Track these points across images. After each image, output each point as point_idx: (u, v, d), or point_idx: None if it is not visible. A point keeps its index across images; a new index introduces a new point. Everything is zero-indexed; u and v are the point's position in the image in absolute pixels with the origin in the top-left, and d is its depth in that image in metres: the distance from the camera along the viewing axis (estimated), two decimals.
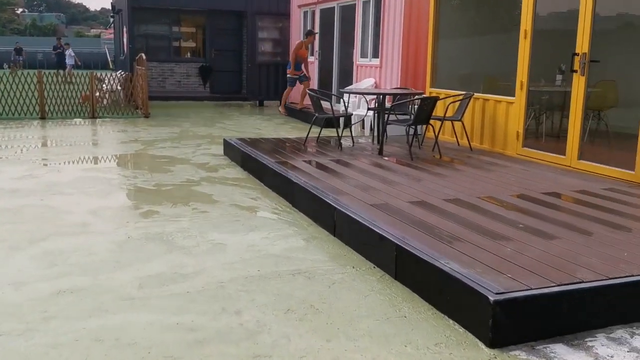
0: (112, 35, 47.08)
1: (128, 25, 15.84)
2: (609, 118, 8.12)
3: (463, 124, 8.06)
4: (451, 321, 3.30)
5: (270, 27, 16.95)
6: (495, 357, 2.94)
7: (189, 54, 18.35)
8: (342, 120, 9.95)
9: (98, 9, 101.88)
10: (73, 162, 8.05)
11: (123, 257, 4.34)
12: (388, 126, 8.44)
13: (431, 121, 7.56)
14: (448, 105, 7.94)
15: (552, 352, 2.97)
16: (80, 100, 13.61)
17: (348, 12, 12.76)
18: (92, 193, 6.29)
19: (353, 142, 8.50)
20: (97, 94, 13.45)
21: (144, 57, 13.81)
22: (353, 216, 4.59)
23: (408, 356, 2.96)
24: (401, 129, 8.64)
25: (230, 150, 8.37)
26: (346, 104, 8.42)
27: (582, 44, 6.45)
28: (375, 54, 11.48)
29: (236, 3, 16.71)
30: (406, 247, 3.82)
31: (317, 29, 14.23)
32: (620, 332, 3.20)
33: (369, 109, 8.45)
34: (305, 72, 13.60)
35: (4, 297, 3.61)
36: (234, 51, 17.65)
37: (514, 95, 7.65)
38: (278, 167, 6.53)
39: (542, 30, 7.40)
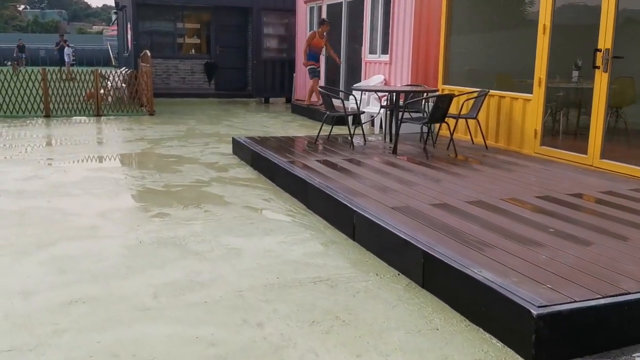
0: (114, 32, 46.92)
1: (132, 22, 15.65)
2: (627, 115, 7.94)
3: (478, 122, 7.86)
4: (487, 334, 3.11)
5: (275, 23, 16.76)
6: None
7: (193, 51, 18.15)
8: (350, 118, 9.78)
9: (100, 5, 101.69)
10: (79, 162, 7.87)
11: (135, 263, 4.16)
12: (391, 123, 8.25)
13: (446, 119, 7.36)
14: (463, 103, 7.74)
15: None
16: (85, 98, 13.43)
17: (356, 8, 12.55)
18: (100, 194, 6.11)
19: (365, 140, 8.30)
20: (102, 91, 13.26)
21: (148, 54, 13.62)
22: (374, 220, 4.40)
23: None
24: (412, 127, 8.45)
25: (240, 149, 8.18)
26: (358, 102, 8.22)
27: (605, 39, 6.25)
28: (385, 50, 11.28)
29: None
30: (434, 254, 3.63)
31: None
32: None
33: (382, 106, 8.25)
34: (334, 56, 12.99)
35: (12, 307, 3.43)
36: (239, 48, 17.47)
37: (531, 92, 7.45)
38: (290, 167, 6.34)
39: (556, 25, 7.18)
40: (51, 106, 12.53)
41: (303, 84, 15.35)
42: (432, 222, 4.32)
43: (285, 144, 8.20)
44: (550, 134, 7.78)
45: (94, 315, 3.34)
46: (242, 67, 17.60)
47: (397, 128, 7.33)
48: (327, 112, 7.96)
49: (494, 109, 8.07)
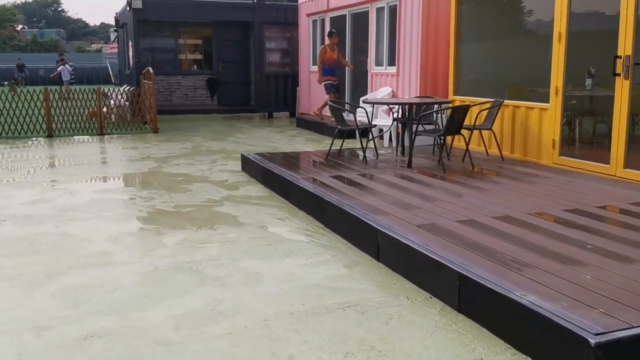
0: (113, 50, 46.92)
1: (133, 39, 15.53)
2: None
3: (494, 132, 7.68)
4: None
5: (278, 37, 16.64)
6: None
7: (195, 67, 18.03)
8: (357, 132, 9.61)
9: (98, 23, 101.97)
10: (86, 183, 7.68)
11: (152, 292, 3.96)
12: (404, 136, 8.07)
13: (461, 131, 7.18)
14: (477, 114, 7.56)
15: None
16: (87, 117, 13.27)
17: (360, 20, 12.42)
18: (110, 217, 5.91)
19: (377, 154, 8.12)
20: (105, 109, 13.10)
21: (151, 71, 13.48)
22: (401, 239, 4.20)
23: None
24: (422, 139, 8.27)
25: (249, 166, 7.99)
26: (369, 115, 8.05)
27: (625, 45, 6.08)
28: (392, 62, 11.12)
29: (242, 14, 16.41)
30: (471, 276, 3.43)
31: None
32: None
33: (394, 119, 8.07)
34: (347, 64, 12.49)
35: (25, 344, 3.22)
36: (241, 62, 17.35)
37: (547, 101, 7.28)
38: (305, 184, 6.15)
39: (568, 32, 7.02)
40: (53, 126, 12.36)
41: (307, 98, 15.21)
42: (462, 241, 4.11)
43: (296, 160, 8.03)
44: (567, 144, 7.59)
45: (113, 351, 3.13)
46: (244, 82, 17.47)
47: (412, 141, 7.14)
48: (338, 126, 7.78)
49: (509, 119, 7.89)
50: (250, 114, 16.89)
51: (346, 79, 13.21)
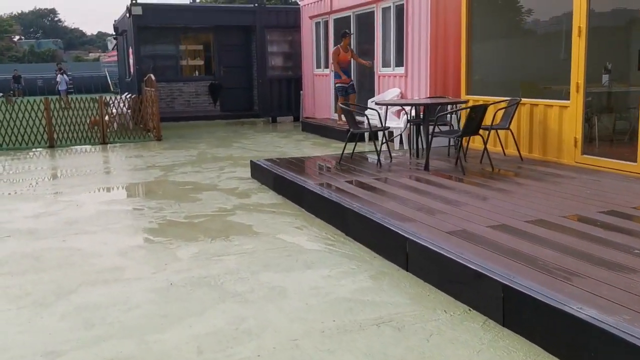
0: (111, 59, 46.69)
1: (134, 46, 15.29)
2: None
3: (512, 132, 7.42)
4: None
5: (280, 40, 16.40)
6: None
7: (197, 72, 17.79)
8: (367, 135, 9.38)
9: (94, 32, 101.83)
10: (91, 194, 7.43)
11: (170, 310, 3.69)
12: (417, 138, 7.83)
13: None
14: (495, 113, 7.31)
15: None
16: (89, 126, 13.02)
17: (365, 20, 12.18)
18: (119, 230, 5.65)
19: (391, 157, 7.86)
20: (107, 118, 12.85)
21: (153, 78, 13.24)
22: (432, 248, 3.95)
23: None
24: (435, 140, 8.00)
25: (259, 172, 7.73)
26: (382, 117, 7.80)
27: None
28: (399, 63, 10.88)
29: (243, 18, 16.18)
30: (517, 287, 3.17)
31: (331, 40, 13.66)
32: None
33: (409, 121, 7.82)
34: (364, 62, 11.81)
35: None
36: (243, 67, 17.11)
37: (564, 99, 7.04)
38: (321, 190, 5.90)
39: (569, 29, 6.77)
40: (55, 136, 12.10)
41: (311, 102, 14.97)
42: (498, 248, 3.86)
43: (308, 165, 7.78)
44: (587, 142, 7.34)
45: None
46: (247, 87, 17.22)
47: (429, 143, 6.89)
48: (351, 130, 7.52)
49: (526, 118, 7.64)
50: (253, 119, 16.64)
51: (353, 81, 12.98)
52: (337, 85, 11.90)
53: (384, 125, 7.67)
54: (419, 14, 10.12)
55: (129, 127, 13.40)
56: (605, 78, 8.19)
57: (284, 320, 3.50)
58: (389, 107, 8.97)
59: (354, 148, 8.00)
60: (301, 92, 15.76)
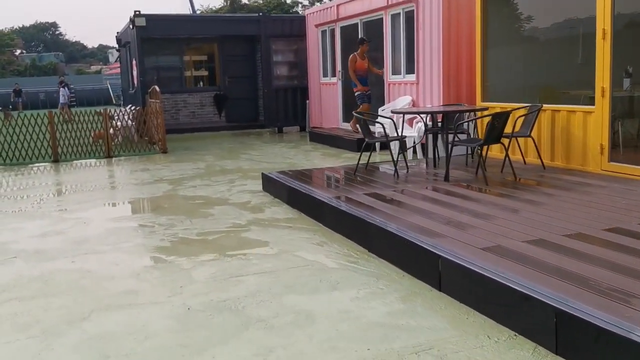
0: (113, 71, 46.64)
1: (138, 58, 15.09)
2: None
3: (534, 139, 7.17)
4: None
5: (285, 50, 16.20)
6: None
7: (201, 83, 17.58)
8: (378, 145, 9.13)
9: (96, 45, 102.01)
10: (99, 211, 7.18)
11: (190, 339, 3.43)
12: (435, 147, 7.58)
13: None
14: (516, 120, 7.06)
15: None
16: (93, 139, 12.80)
17: (373, 28, 11.97)
18: (130, 249, 5.39)
19: (407, 167, 7.60)
20: (111, 131, 12.62)
21: (157, 89, 13.02)
22: (469, 266, 3.68)
23: None
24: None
25: (272, 185, 7.48)
26: (397, 126, 7.56)
27: None
28: (410, 70, 10.65)
29: (248, 27, 15.99)
30: (572, 312, 2.90)
31: (338, 48, 13.45)
32: None
33: (427, 130, 7.57)
34: (377, 71, 11.62)
35: None
36: (248, 77, 16.92)
37: (591, 104, 6.80)
38: (340, 204, 5.64)
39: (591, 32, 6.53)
40: (59, 150, 11.87)
41: (318, 111, 14.75)
42: (541, 266, 3.59)
43: (322, 177, 7.53)
44: (611, 148, 7.08)
45: None
46: (252, 97, 17.02)
47: (449, 152, 6.63)
48: (366, 139, 7.27)
49: (547, 125, 7.39)
50: (259, 129, 16.42)
51: None
52: (357, 93, 11.44)
53: (400, 134, 7.41)
54: (430, 20, 9.90)
55: (134, 140, 13.17)
56: (626, 82, 7.95)
57: (315, 350, 3.24)
58: (396, 116, 8.73)
59: (369, 159, 7.74)
60: (307, 101, 15.55)
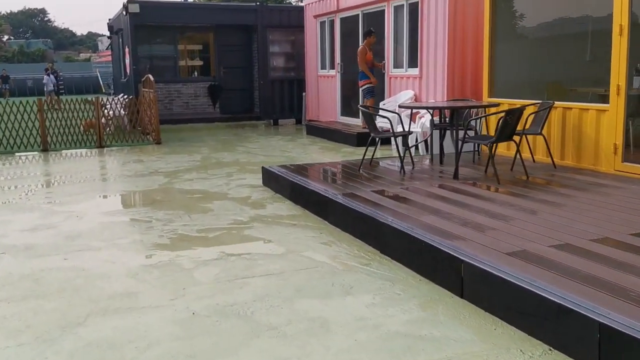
0: (103, 59, 45.89)
1: (130, 45, 14.70)
2: None
3: (545, 137, 6.95)
4: None
5: (282, 40, 15.88)
6: None
7: (196, 73, 17.21)
8: (378, 140, 8.83)
9: (85, 33, 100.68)
10: (92, 204, 6.88)
11: (196, 348, 3.16)
12: (441, 144, 7.33)
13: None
14: (527, 117, 6.83)
15: None
16: (84, 128, 12.44)
17: (375, 20, 11.69)
18: (126, 246, 5.10)
19: (413, 163, 7.35)
20: (103, 120, 12.26)
21: (151, 78, 12.67)
22: (497, 273, 3.44)
23: None
24: (451, 146, 7.55)
25: (273, 180, 7.20)
26: (403, 121, 7.30)
27: None
28: (413, 64, 10.39)
29: (245, 17, 15.65)
30: (618, 327, 2.67)
31: (337, 40, 13.16)
32: None
33: (435, 125, 7.32)
34: (379, 65, 11.20)
35: None
36: (244, 68, 16.57)
37: (605, 102, 6.59)
38: (347, 201, 5.38)
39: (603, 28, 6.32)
40: (48, 139, 11.50)
41: (315, 104, 14.47)
42: (573, 274, 3.35)
43: (326, 173, 7.27)
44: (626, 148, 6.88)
45: None
46: (248, 89, 16.69)
47: (460, 149, 6.39)
48: (372, 134, 7.01)
49: (558, 123, 7.17)
50: (254, 121, 16.10)
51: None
52: (365, 86, 10.97)
53: (408, 129, 7.16)
54: (435, 12, 9.64)
55: (127, 129, 12.82)
56: (637, 80, 7.75)
57: None
58: (404, 110, 8.48)
59: (374, 154, 7.49)
60: (304, 94, 15.26)
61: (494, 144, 6.65)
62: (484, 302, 3.53)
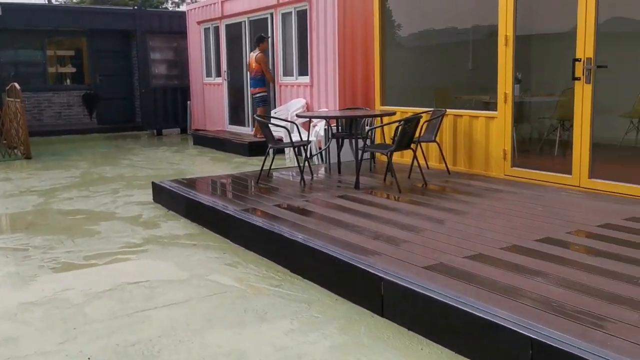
0: None
1: None
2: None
3: (439, 144, 7.09)
4: None
5: (164, 47, 15.19)
6: None
7: (69, 81, 15.97)
8: (272, 150, 8.60)
9: None
10: None
11: None
12: (339, 153, 7.26)
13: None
14: (422, 125, 6.92)
15: None
16: None
17: (262, 26, 11.47)
18: (0, 281, 4.45)
19: (312, 174, 7.20)
20: None
21: (17, 87, 11.52)
22: (419, 290, 3.33)
23: None
24: (345, 155, 7.53)
25: (165, 196, 6.73)
26: (293, 131, 7.13)
27: (585, 48, 5.71)
28: (303, 72, 10.29)
29: (121, 21, 14.79)
30: (551, 343, 2.63)
31: (223, 47, 12.78)
32: None
33: (333, 134, 7.21)
34: (269, 76, 10.89)
35: None
36: (122, 75, 15.65)
37: (488, 109, 6.87)
38: (253, 218, 5.09)
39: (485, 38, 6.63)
40: None
41: (201, 112, 13.98)
42: (494, 286, 3.33)
43: (223, 186, 6.92)
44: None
45: None
46: (128, 97, 15.77)
47: (360, 159, 6.32)
48: (270, 145, 6.77)
49: (449, 130, 7.35)
50: (136, 132, 15.24)
51: (245, 92, 12.20)
52: (259, 94, 10.68)
53: (307, 139, 7.00)
54: (324, 20, 9.60)
55: None
56: (516, 89, 8.18)
57: None
58: (296, 119, 8.34)
59: (271, 165, 7.24)
60: (188, 102, 14.70)
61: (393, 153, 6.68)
62: (407, 320, 3.41)
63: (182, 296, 4.02)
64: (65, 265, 4.78)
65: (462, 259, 3.83)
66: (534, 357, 2.69)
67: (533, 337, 2.70)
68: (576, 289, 3.24)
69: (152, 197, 7.09)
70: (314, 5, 9.77)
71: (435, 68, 8.98)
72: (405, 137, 6.15)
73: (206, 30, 13.45)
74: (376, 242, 4.28)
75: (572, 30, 5.85)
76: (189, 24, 14.13)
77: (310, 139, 8.65)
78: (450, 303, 3.14)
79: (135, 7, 14.83)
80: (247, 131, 12.09)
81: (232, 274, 4.47)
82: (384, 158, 7.83)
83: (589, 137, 5.81)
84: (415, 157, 6.61)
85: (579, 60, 5.77)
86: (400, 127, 6.09)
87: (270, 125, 6.76)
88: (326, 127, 8.41)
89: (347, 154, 7.73)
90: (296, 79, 10.49)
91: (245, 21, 11.95)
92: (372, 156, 7.72)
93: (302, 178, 6.70)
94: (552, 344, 2.63)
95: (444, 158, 7.14)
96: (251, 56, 10.76)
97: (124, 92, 15.69)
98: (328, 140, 7.79)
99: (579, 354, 2.53)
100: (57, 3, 25.21)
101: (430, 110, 7.25)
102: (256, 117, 6.88)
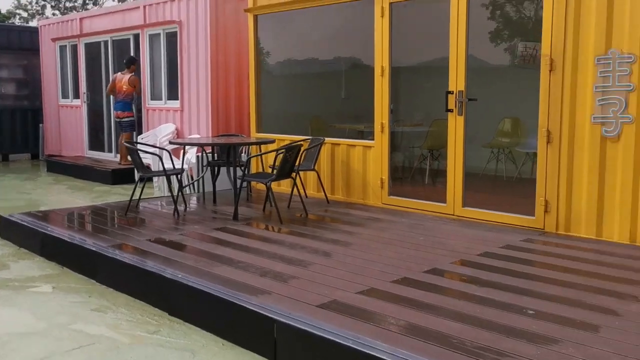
0: None
1: None
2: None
3: (318, 173, 7.00)
4: None
5: (12, 64, 13.81)
6: None
7: None
8: (138, 179, 8.03)
9: None
10: None
11: None
12: (214, 182, 6.94)
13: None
14: (302, 154, 6.80)
15: None
16: None
17: (125, 47, 10.81)
18: None
19: (186, 205, 6.76)
20: None
21: None
22: (317, 332, 3.12)
23: None
24: (221, 184, 7.22)
25: (17, 232, 5.94)
26: (173, 158, 6.69)
27: (457, 81, 5.95)
28: (173, 96, 9.80)
29: None
30: None
31: (82, 67, 11.87)
32: None
33: (209, 162, 6.82)
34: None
35: None
36: None
37: (363, 138, 6.95)
38: (124, 256, 4.60)
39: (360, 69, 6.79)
40: None
41: (56, 136, 12.84)
42: (393, 324, 3.21)
43: (86, 219, 6.26)
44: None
45: None
46: None
47: (239, 189, 6.03)
48: (140, 173, 6.25)
49: (327, 158, 7.31)
50: None
51: (104, 116, 11.42)
52: (127, 119, 9.95)
53: (181, 167, 6.57)
54: (195, 43, 9.24)
55: None
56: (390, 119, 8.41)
57: None
58: (168, 146, 7.87)
59: (140, 195, 6.70)
60: (41, 125, 13.46)
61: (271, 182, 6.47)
62: None
63: (40, 352, 3.45)
64: None
65: (355, 295, 3.68)
66: None
67: None
68: (472, 322, 3.21)
69: None
70: (184, 28, 9.38)
71: (310, 96, 8.99)
72: (287, 165, 5.98)
73: (62, 48, 12.43)
74: (264, 279, 4.01)
75: (439, 62, 6.09)
76: (42, 40, 12.99)
77: (183, 167, 8.21)
78: (349, 345, 2.96)
79: None
80: (109, 157, 11.27)
81: (101, 320, 3.95)
82: (261, 187, 7.62)
83: (462, 167, 6.02)
84: (295, 185, 6.46)
85: (451, 92, 5.99)
86: (282, 155, 5.92)
87: (146, 152, 6.27)
88: (198, 154, 8.04)
89: (221, 182, 7.40)
90: (165, 103, 9.97)
91: (108, 40, 11.21)
92: (249, 185, 7.46)
93: (176, 209, 6.26)
94: None
95: (322, 187, 7.06)
96: (120, 77, 10.07)
97: None
98: (202, 168, 7.41)
99: None
100: None
101: (307, 139, 7.17)
102: (125, 143, 6.34)
